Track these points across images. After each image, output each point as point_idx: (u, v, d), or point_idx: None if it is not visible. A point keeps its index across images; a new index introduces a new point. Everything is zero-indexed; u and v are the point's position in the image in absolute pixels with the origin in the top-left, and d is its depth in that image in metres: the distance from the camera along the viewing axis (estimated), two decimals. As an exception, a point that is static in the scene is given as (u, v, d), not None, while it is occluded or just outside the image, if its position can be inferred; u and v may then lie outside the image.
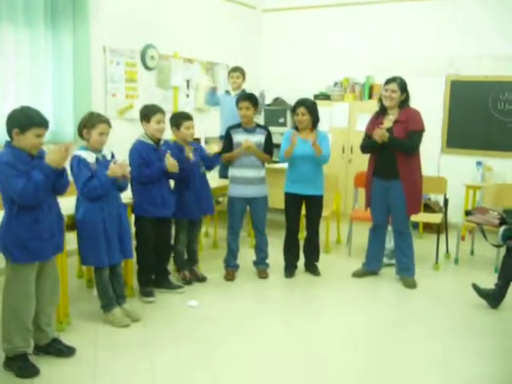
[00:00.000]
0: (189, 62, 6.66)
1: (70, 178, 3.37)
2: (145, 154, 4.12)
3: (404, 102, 4.56)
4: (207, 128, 5.99)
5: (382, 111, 4.63)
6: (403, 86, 4.53)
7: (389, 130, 4.49)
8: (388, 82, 4.57)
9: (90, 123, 3.61)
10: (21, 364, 3.10)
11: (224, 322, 3.90)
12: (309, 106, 4.71)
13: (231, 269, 4.85)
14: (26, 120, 2.97)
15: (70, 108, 5.08)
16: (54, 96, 5.00)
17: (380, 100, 4.64)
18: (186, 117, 4.48)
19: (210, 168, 4.73)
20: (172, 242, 4.59)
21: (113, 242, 3.70)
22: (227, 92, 6.17)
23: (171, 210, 4.31)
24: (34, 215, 3.03)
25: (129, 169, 3.73)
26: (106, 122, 3.66)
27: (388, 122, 4.55)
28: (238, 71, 6.10)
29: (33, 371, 3.09)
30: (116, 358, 3.32)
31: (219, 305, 4.24)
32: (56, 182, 3.08)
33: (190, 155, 4.37)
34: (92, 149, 3.63)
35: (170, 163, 4.12)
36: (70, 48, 5.04)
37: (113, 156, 3.78)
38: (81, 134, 3.67)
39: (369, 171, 4.75)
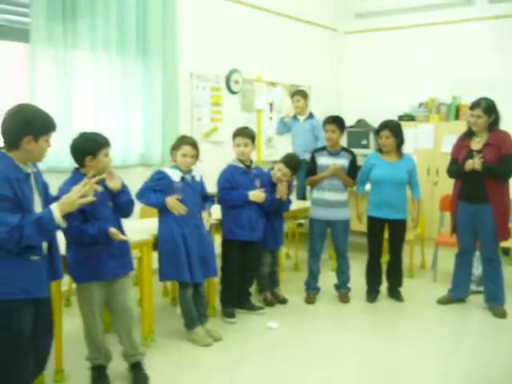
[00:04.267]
0: (272, 86, 6.77)
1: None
2: (232, 178, 4.21)
3: (493, 124, 4.36)
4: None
5: (470, 133, 4.47)
6: (489, 109, 4.32)
7: (478, 153, 4.33)
8: (472, 106, 4.38)
9: (176, 144, 3.79)
10: (95, 375, 3.26)
11: (303, 346, 3.89)
12: (392, 128, 4.65)
13: (312, 291, 4.84)
14: (94, 144, 3.03)
15: (158, 132, 5.30)
16: (144, 120, 5.23)
17: (468, 122, 4.50)
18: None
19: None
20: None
21: (194, 259, 3.77)
22: (295, 117, 6.22)
23: (259, 234, 4.33)
24: None
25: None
26: (190, 144, 3.77)
27: (476, 144, 4.39)
28: (297, 95, 6.15)
29: None
30: (197, 377, 3.39)
31: (299, 328, 4.23)
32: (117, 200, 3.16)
33: (283, 195, 4.39)
34: (179, 168, 3.77)
35: (256, 194, 4.18)
36: (159, 74, 5.28)
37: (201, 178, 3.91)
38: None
39: (454, 195, 4.59)
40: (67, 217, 2.57)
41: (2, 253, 2.46)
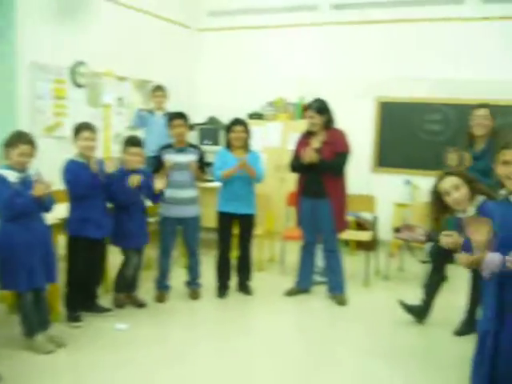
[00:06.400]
0: (121, 80, 6.56)
1: None
2: (75, 173, 3.98)
3: (328, 123, 4.65)
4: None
5: (311, 132, 4.70)
6: (321, 109, 4.61)
7: (317, 150, 4.56)
8: (308, 106, 4.66)
9: (11, 143, 3.49)
10: None
11: (155, 345, 3.81)
12: (246, 124, 4.78)
13: (162, 290, 4.76)
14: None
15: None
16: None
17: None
18: (132, 143, 4.34)
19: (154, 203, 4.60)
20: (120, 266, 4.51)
21: (36, 265, 3.55)
22: (151, 112, 6.12)
23: (105, 231, 4.17)
24: None
25: (51, 188, 3.60)
26: (28, 142, 3.50)
27: (316, 142, 4.62)
28: (161, 90, 6.10)
29: None
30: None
31: (150, 327, 4.16)
32: None
33: (134, 181, 4.22)
34: (14, 168, 3.49)
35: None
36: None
37: (38, 175, 3.64)
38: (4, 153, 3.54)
39: (298, 189, 4.81)
40: None
41: None
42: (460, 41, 6.58)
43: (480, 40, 6.49)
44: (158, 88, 6.15)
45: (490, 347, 2.53)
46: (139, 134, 5.94)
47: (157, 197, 4.49)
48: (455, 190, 2.95)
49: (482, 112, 4.30)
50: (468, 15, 6.53)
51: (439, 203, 3.04)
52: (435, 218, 3.11)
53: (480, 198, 2.93)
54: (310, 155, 4.48)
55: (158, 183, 4.36)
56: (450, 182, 2.97)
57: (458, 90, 6.57)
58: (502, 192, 2.59)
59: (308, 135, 4.72)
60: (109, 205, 4.28)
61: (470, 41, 6.53)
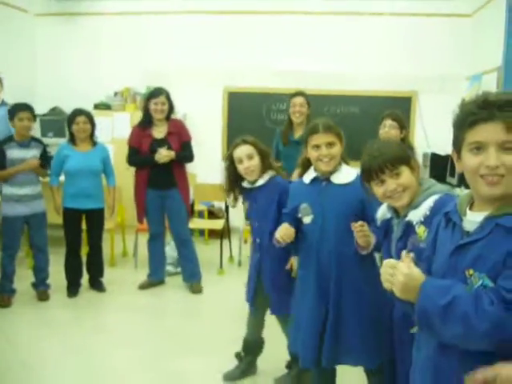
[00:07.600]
0: (-52, 69, 5.97)
1: None
2: None
3: (170, 113, 4.68)
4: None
5: (148, 123, 4.66)
6: (169, 97, 4.64)
7: (163, 141, 4.57)
8: (155, 95, 4.60)
9: None
10: None
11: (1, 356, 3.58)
12: (89, 115, 4.63)
13: (6, 294, 4.46)
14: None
15: None
16: None
17: (145, 111, 4.66)
18: None
19: None
20: None
21: None
22: None
23: None
24: None
25: None
26: None
27: (158, 133, 4.63)
28: None
29: None
30: None
31: (-7, 335, 3.89)
32: None
33: None
34: None
35: None
36: None
37: None
38: None
39: (141, 182, 4.77)
40: None
41: None
42: (302, 34, 6.89)
43: (318, 34, 6.87)
44: None
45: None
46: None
47: None
48: (248, 158, 2.95)
49: (298, 100, 4.58)
50: (309, 9, 6.85)
51: (233, 171, 3.02)
52: (229, 189, 3.07)
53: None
54: (168, 156, 4.50)
55: None
56: (244, 149, 2.96)
57: (299, 80, 6.87)
58: (312, 174, 2.59)
59: (145, 126, 4.67)
60: None
61: (310, 34, 6.88)
